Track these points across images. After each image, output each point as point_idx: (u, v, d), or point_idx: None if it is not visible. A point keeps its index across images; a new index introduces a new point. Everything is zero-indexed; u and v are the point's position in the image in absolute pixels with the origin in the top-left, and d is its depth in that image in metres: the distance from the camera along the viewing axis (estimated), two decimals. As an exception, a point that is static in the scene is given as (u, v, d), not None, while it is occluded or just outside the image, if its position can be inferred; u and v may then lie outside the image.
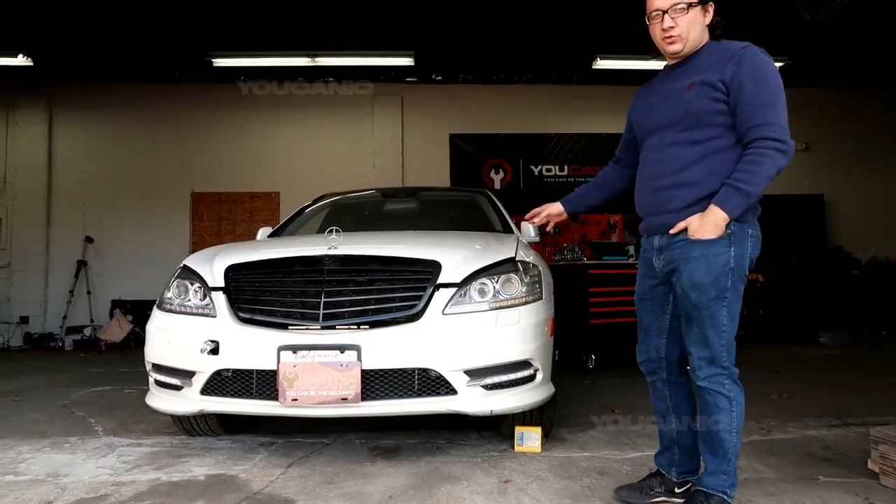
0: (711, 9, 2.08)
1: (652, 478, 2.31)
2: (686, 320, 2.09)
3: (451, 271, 2.67)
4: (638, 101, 2.30)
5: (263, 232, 4.10)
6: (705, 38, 2.10)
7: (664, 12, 2.05)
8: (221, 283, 2.75)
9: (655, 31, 2.10)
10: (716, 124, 2.01)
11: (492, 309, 2.65)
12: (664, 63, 2.23)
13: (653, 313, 2.24)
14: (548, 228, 2.61)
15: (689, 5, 2.03)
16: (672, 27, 2.05)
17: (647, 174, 2.18)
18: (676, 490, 2.25)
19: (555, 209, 2.56)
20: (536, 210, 2.60)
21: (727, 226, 1.96)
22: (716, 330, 2.01)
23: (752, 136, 1.94)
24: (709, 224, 1.95)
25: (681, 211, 2.04)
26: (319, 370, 2.46)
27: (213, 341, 2.59)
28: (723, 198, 1.94)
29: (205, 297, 2.77)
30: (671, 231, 2.05)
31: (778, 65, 7.89)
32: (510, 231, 3.85)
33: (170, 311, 2.85)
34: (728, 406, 2.03)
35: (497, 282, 2.73)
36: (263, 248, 3.07)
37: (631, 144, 2.38)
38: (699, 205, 2.00)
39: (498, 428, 3.18)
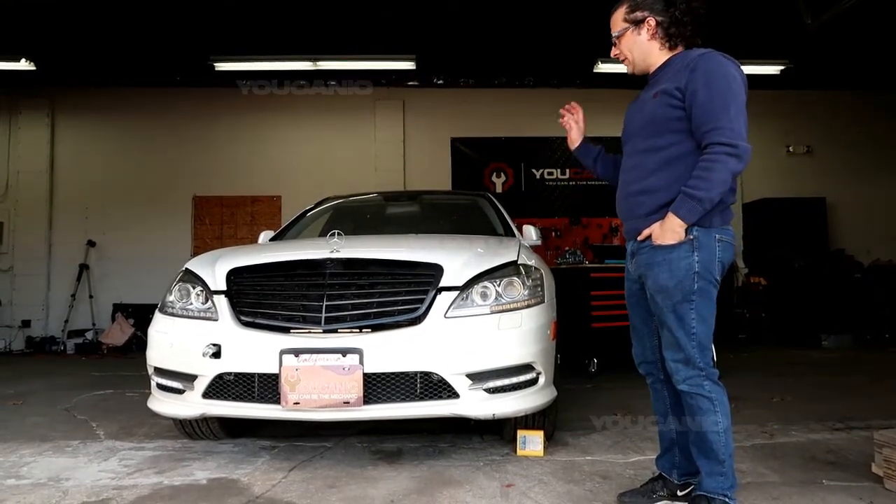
0: (652, 22, 2.14)
1: (654, 481, 2.31)
2: (660, 324, 2.13)
3: (453, 275, 2.67)
4: (626, 113, 2.36)
5: (265, 235, 4.11)
6: (656, 51, 2.17)
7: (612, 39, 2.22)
8: (223, 287, 2.75)
9: None
10: (675, 130, 2.06)
11: (494, 312, 2.64)
12: None
13: (640, 315, 2.28)
14: (575, 125, 2.53)
15: (619, 35, 2.19)
16: (617, 54, 2.23)
17: (621, 181, 2.25)
18: (679, 493, 2.25)
19: (576, 133, 2.53)
20: (572, 106, 2.56)
21: (688, 231, 2.00)
22: (685, 332, 2.03)
23: (706, 142, 1.98)
24: (667, 231, 2.01)
25: (646, 217, 2.10)
26: (321, 374, 2.45)
27: (214, 345, 2.59)
28: (677, 205, 2.00)
29: (207, 300, 2.77)
30: (638, 238, 2.12)
31: (779, 68, 7.97)
32: (512, 234, 3.85)
33: (172, 314, 2.85)
34: (711, 407, 2.04)
35: (499, 285, 2.72)
36: (265, 252, 3.07)
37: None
38: (661, 211, 2.06)
39: (500, 432, 3.18)
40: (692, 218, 1.98)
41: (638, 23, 2.14)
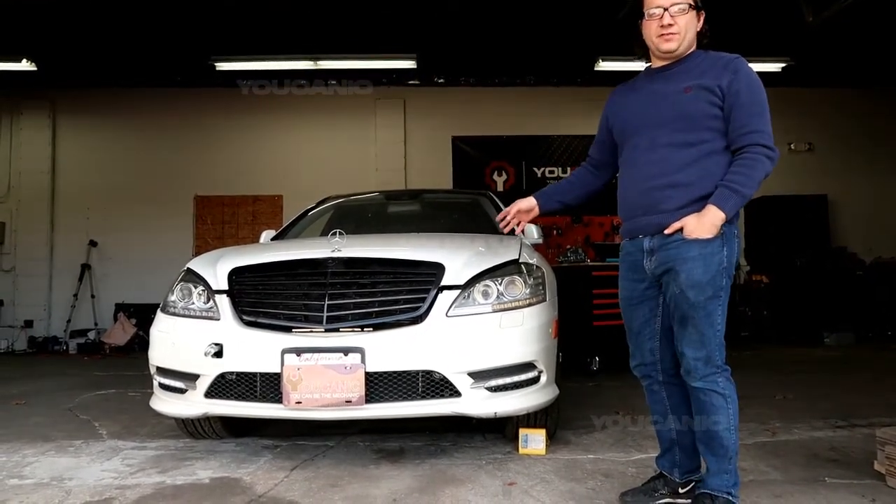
0: (702, 17, 2.15)
1: (655, 480, 2.31)
2: (680, 321, 2.08)
3: (455, 273, 2.67)
4: (619, 102, 2.30)
5: (267, 235, 4.10)
6: (694, 43, 2.16)
7: (665, 10, 2.08)
8: (225, 287, 2.75)
9: (652, 28, 2.12)
10: (710, 128, 2.06)
11: (495, 311, 2.64)
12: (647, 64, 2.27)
13: (643, 317, 2.23)
14: (518, 229, 2.55)
15: (690, 6, 2.09)
16: (671, 24, 2.08)
17: (636, 175, 2.17)
18: (680, 490, 2.25)
19: (525, 204, 2.46)
20: (505, 211, 2.49)
21: (720, 226, 2.01)
22: (712, 329, 2.03)
23: (746, 142, 2.01)
24: (707, 223, 1.99)
25: (675, 211, 2.06)
26: (323, 373, 2.46)
27: (216, 344, 2.59)
28: (720, 198, 1.99)
29: (208, 300, 2.77)
30: (666, 231, 2.06)
31: (781, 65, 7.97)
32: (513, 233, 3.84)
33: (174, 314, 2.86)
34: (724, 404, 2.04)
35: (500, 284, 2.72)
36: (267, 251, 3.08)
37: (606, 146, 2.37)
38: (693, 206, 2.04)
39: (502, 430, 3.18)
40: (733, 213, 2.00)
41: (698, 9, 2.13)
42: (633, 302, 2.25)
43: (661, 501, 2.25)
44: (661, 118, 2.11)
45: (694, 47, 2.15)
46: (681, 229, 2.03)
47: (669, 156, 2.08)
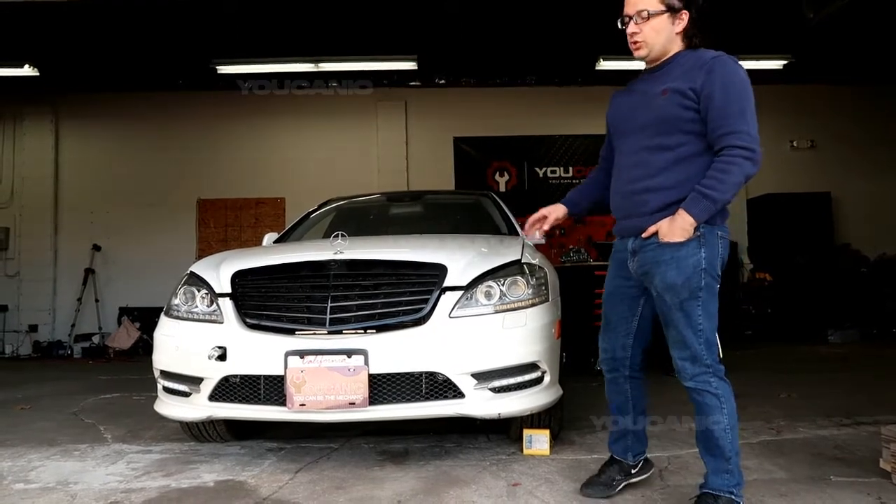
0: (685, 17, 2.10)
1: (609, 467, 2.38)
2: (664, 323, 2.13)
3: (457, 274, 2.67)
4: (615, 104, 2.33)
5: (269, 237, 4.11)
6: (675, 45, 2.13)
7: (630, 18, 2.10)
8: (228, 290, 2.76)
9: (628, 36, 2.15)
10: (686, 131, 2.05)
11: (498, 312, 2.64)
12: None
13: (621, 313, 2.29)
14: (541, 232, 2.55)
15: (651, 13, 2.08)
16: (635, 33, 2.11)
17: (620, 178, 2.22)
18: (633, 471, 2.36)
19: (560, 212, 2.51)
20: (539, 216, 2.51)
21: (696, 229, 2.00)
22: (692, 329, 2.04)
23: (722, 144, 1.98)
24: (677, 228, 2.00)
25: (652, 215, 2.08)
26: (327, 375, 2.46)
27: (220, 347, 2.60)
28: (690, 203, 1.99)
29: (212, 303, 2.78)
30: (643, 235, 2.10)
31: (781, 62, 7.93)
32: (515, 233, 3.85)
33: (177, 317, 2.86)
34: (718, 404, 2.05)
35: (503, 284, 2.72)
36: (269, 254, 3.08)
37: (612, 146, 2.40)
38: (670, 209, 2.05)
39: (506, 431, 3.18)
40: (704, 217, 1.99)
41: (675, 10, 2.09)
42: (613, 296, 2.31)
43: (620, 486, 2.34)
44: (643, 121, 2.14)
45: (678, 48, 2.13)
46: (657, 233, 2.05)
47: (648, 159, 2.11)
